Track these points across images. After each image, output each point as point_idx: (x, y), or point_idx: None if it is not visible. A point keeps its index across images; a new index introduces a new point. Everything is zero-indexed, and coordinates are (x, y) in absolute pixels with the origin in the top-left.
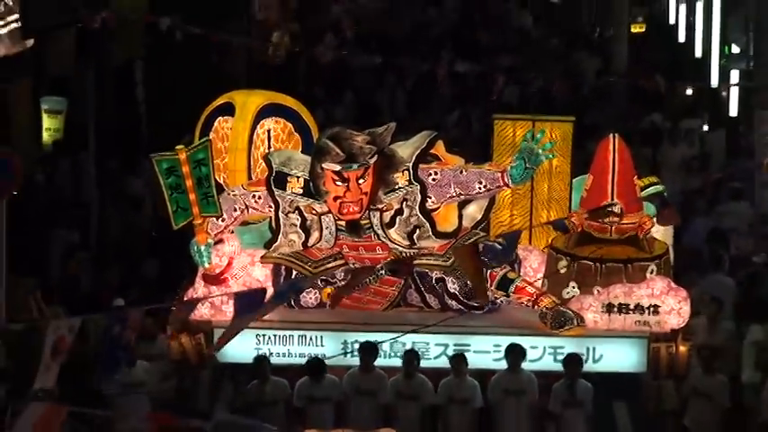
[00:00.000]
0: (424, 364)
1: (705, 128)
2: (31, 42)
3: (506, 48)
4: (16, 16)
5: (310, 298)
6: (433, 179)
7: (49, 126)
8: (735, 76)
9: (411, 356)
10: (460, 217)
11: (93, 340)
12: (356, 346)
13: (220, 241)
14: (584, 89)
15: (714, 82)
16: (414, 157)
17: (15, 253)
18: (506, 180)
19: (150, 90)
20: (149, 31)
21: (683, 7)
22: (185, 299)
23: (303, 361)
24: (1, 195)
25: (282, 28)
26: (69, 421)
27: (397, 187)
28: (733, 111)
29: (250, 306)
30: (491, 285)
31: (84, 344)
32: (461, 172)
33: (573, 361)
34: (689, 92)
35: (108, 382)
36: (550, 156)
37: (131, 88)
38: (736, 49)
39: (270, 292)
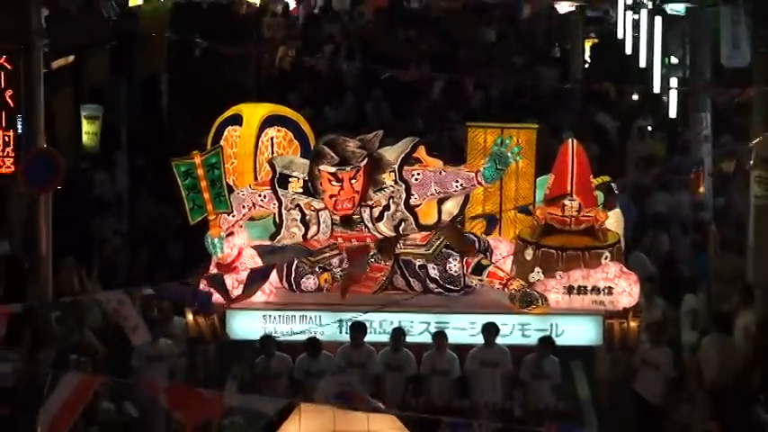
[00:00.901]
0: (408, 339)
1: (649, 128)
2: (71, 58)
3: (478, 63)
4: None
5: (309, 283)
6: (416, 179)
7: (88, 130)
8: (674, 82)
9: (398, 333)
10: (440, 212)
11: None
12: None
13: (231, 234)
14: (546, 95)
15: (656, 88)
16: (399, 160)
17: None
18: (480, 180)
19: (172, 99)
20: (172, 49)
21: (629, 24)
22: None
23: (304, 337)
24: (46, 189)
25: (286, 44)
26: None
27: (384, 186)
28: (672, 113)
29: (260, 277)
30: (467, 271)
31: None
32: (440, 173)
33: (546, 341)
34: (635, 96)
35: (136, 354)
36: (518, 158)
37: (157, 97)
38: (674, 60)
39: (274, 275)
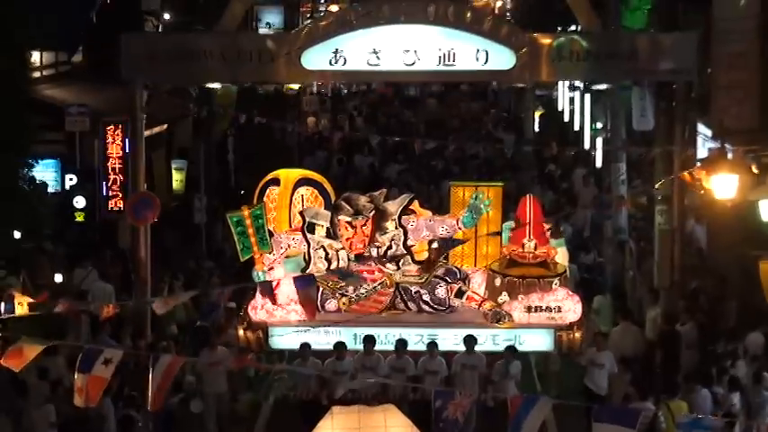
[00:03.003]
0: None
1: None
2: (165, 126)
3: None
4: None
5: (331, 305)
6: (412, 225)
7: (177, 178)
8: (599, 142)
9: (399, 343)
10: (430, 250)
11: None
12: (362, 337)
13: (272, 269)
14: (507, 153)
15: (587, 146)
16: (398, 211)
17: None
18: (460, 225)
19: (238, 155)
20: (237, 119)
21: (567, 99)
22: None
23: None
24: (146, 220)
25: (319, 116)
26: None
27: (387, 231)
28: (599, 163)
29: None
30: (451, 295)
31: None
32: (430, 220)
33: (510, 349)
34: (572, 152)
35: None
36: (488, 209)
37: (226, 154)
38: (599, 125)
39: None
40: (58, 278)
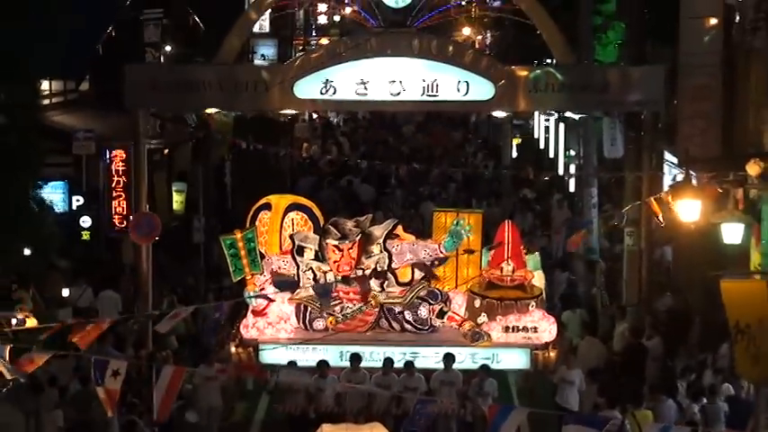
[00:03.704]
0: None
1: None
2: (166, 151)
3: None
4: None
5: (319, 324)
6: (396, 249)
7: (177, 199)
8: (572, 168)
9: (387, 361)
10: (413, 273)
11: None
12: (348, 355)
13: (263, 289)
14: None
15: (560, 172)
16: (383, 236)
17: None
18: (442, 250)
19: (234, 179)
20: (234, 144)
21: (542, 128)
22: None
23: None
24: (148, 240)
25: (310, 142)
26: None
27: (373, 254)
28: (572, 188)
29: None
30: (433, 316)
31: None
32: (413, 245)
33: (484, 368)
34: (547, 178)
35: (196, 375)
36: (469, 234)
37: (223, 178)
38: (572, 153)
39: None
40: (65, 293)
